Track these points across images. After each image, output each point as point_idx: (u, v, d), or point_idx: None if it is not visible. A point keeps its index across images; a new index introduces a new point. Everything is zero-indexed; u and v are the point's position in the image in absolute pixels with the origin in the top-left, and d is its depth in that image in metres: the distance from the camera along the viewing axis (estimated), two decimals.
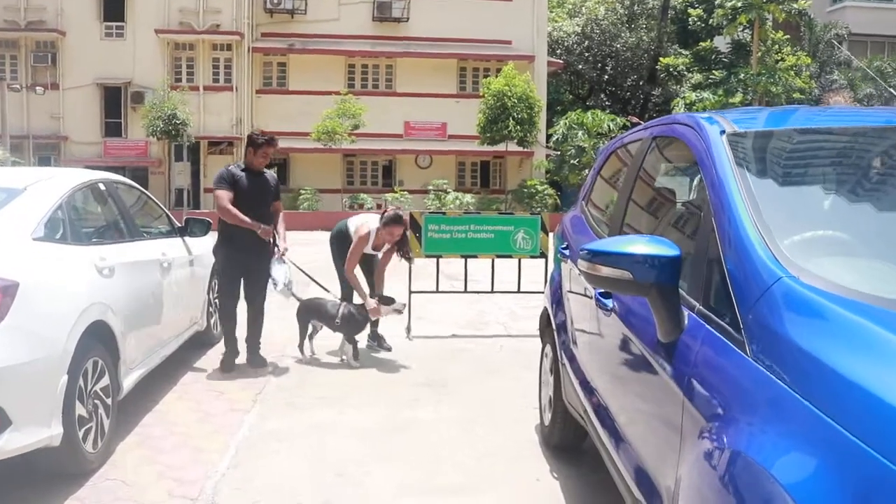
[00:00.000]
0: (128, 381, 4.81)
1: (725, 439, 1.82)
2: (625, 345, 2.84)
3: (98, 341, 4.32)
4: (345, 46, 29.71)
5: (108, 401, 4.44)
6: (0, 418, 3.47)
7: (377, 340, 7.20)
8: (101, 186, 5.32)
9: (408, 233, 6.99)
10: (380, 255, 7.02)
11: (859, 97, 25.92)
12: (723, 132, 2.64)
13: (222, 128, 29.34)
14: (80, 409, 4.04)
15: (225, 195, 6.13)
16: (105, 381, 4.39)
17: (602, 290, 3.06)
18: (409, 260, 7.11)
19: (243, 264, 6.34)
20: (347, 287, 6.96)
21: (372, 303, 6.62)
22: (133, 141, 29.23)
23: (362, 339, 6.94)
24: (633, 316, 2.74)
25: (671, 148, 3.23)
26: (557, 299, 4.37)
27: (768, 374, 1.78)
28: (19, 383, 3.56)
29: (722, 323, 2.07)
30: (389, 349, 7.07)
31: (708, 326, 2.14)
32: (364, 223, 6.84)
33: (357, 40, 29.92)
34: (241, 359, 6.51)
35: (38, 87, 26.61)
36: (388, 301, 6.70)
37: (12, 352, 3.53)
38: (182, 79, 29.22)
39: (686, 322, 2.26)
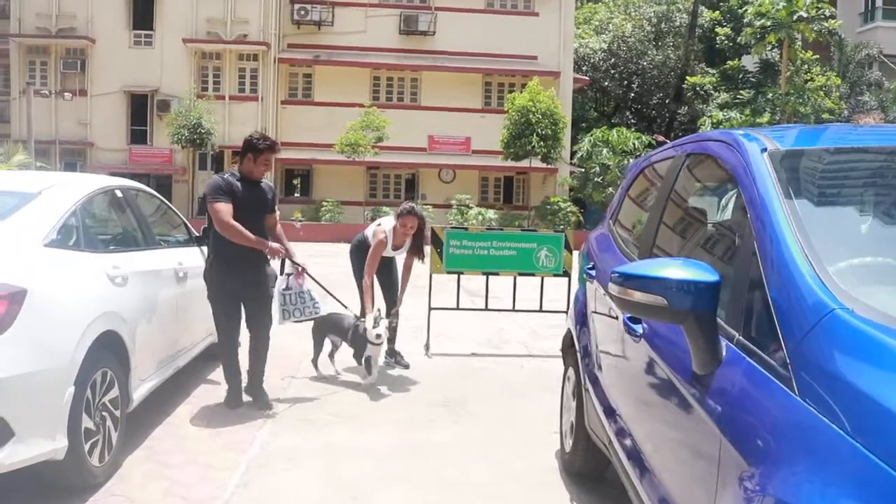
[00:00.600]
0: (138, 393, 4.69)
1: (769, 487, 1.66)
2: (655, 373, 2.68)
3: (108, 352, 4.21)
4: (370, 59, 29.77)
5: (117, 413, 4.32)
6: (2, 430, 3.36)
7: (394, 357, 7.03)
8: (118, 193, 5.23)
9: (425, 229, 6.84)
10: (400, 255, 6.90)
11: (890, 118, 25.52)
12: (764, 150, 2.48)
13: None
14: (86, 422, 3.92)
15: (225, 209, 5.24)
16: (114, 392, 4.28)
17: (631, 316, 2.90)
18: (422, 258, 6.89)
19: (242, 288, 5.53)
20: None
21: (369, 319, 6.28)
22: (158, 149, 29.41)
23: (380, 355, 6.77)
24: (664, 343, 2.58)
25: (705, 166, 3.07)
26: (582, 321, 4.20)
27: (820, 416, 1.61)
28: (23, 394, 3.45)
29: (765, 356, 1.91)
30: (407, 366, 6.90)
31: (749, 359, 1.98)
32: (380, 226, 6.75)
33: (383, 53, 29.97)
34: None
35: (66, 94, 26.89)
36: (388, 319, 6.57)
37: (17, 361, 3.42)
38: (208, 88, 29.41)
39: (724, 353, 2.10)
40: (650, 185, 3.78)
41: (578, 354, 4.13)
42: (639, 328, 2.83)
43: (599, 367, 3.71)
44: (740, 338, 2.08)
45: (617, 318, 3.34)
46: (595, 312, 3.95)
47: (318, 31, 29.87)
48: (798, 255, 1.97)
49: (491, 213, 26.72)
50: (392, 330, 6.84)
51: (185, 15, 29.12)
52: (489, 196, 31.13)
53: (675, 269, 2.11)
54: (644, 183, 3.97)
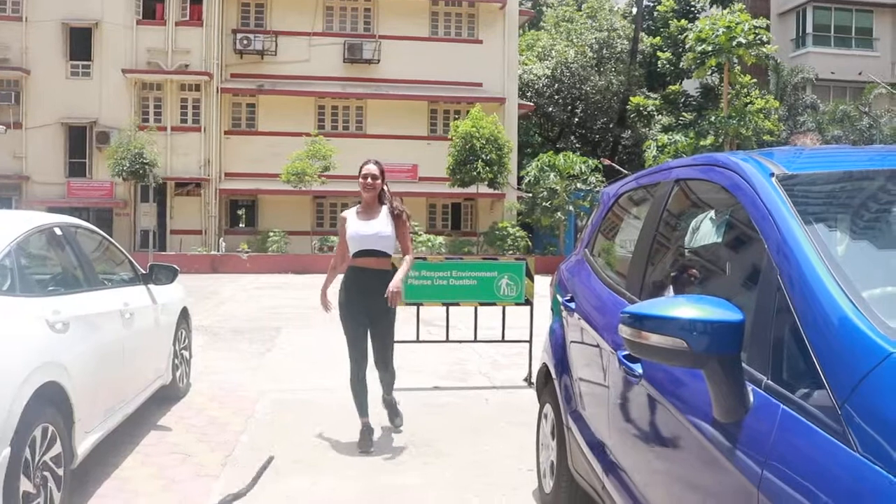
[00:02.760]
0: (83, 447, 4.32)
1: None
2: (661, 418, 2.46)
3: (49, 404, 3.83)
4: (315, 87, 29.51)
5: (60, 471, 3.94)
6: None
7: (390, 410, 5.98)
8: (57, 231, 4.86)
9: (385, 185, 5.61)
10: (382, 233, 5.47)
11: (827, 139, 26.13)
12: (771, 174, 2.31)
13: (190, 169, 28.84)
14: (25, 485, 3.54)
15: None
16: (57, 448, 3.90)
17: (627, 353, 2.69)
18: (399, 216, 5.53)
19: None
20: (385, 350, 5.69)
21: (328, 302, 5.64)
22: (98, 181, 28.57)
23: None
24: (672, 385, 2.37)
25: (700, 193, 2.90)
26: (560, 355, 3.99)
27: (890, 476, 1.41)
28: None
29: (804, 404, 1.71)
30: (398, 427, 5.93)
31: (784, 406, 1.77)
32: None
33: (327, 81, 29.74)
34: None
35: (0, 126, 25.98)
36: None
37: None
38: (149, 119, 28.77)
39: (752, 399, 1.89)
40: (631, 213, 3.60)
41: (558, 392, 3.91)
42: (637, 367, 2.62)
43: (584, 407, 3.50)
44: (769, 382, 1.88)
45: (603, 353, 3.14)
46: (575, 345, 3.74)
47: (261, 60, 29.48)
48: (833, 289, 1.79)
49: (440, 240, 26.56)
50: (390, 406, 5.95)
51: (125, 45, 28.48)
52: (437, 223, 30.98)
53: (694, 308, 1.91)
54: (623, 210, 3.79)
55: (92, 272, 5.13)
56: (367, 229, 5.46)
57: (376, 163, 5.59)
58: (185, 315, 6.96)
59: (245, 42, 28.96)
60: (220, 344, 10.04)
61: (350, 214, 5.62)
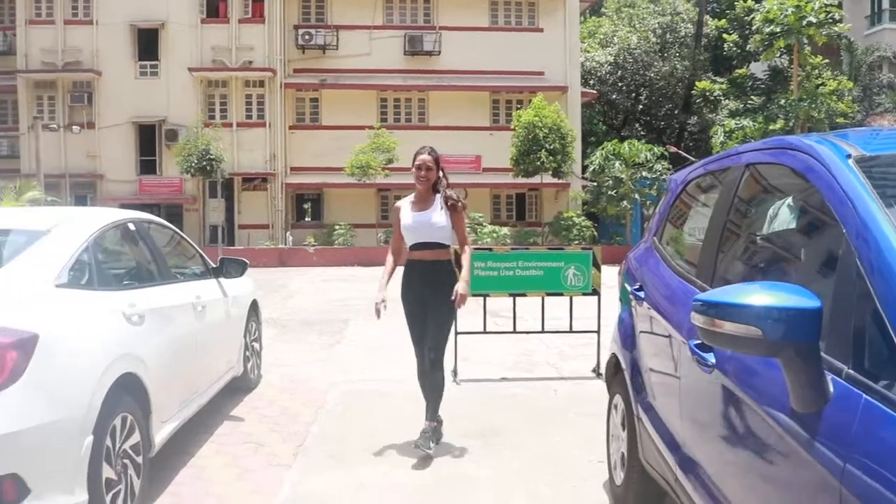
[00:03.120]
0: (160, 436, 4.45)
1: None
2: (735, 407, 2.41)
3: (128, 395, 3.96)
4: (376, 81, 29.71)
5: (139, 459, 4.07)
6: (18, 487, 3.12)
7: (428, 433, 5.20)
8: (131, 227, 5.01)
9: (441, 171, 5.41)
10: (440, 221, 5.27)
11: None
12: (847, 156, 2.23)
13: (256, 164, 29.38)
14: (107, 472, 3.67)
15: None
16: (135, 437, 4.03)
17: (699, 342, 2.63)
18: (454, 206, 5.33)
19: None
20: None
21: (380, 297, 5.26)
22: (167, 178, 29.35)
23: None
24: (745, 374, 2.32)
25: (772, 177, 2.81)
26: (630, 345, 3.94)
27: None
28: (39, 448, 3.21)
29: (891, 395, 1.65)
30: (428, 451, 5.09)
31: (867, 397, 1.72)
32: None
33: (389, 74, 29.90)
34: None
35: (74, 127, 26.93)
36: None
37: (31, 413, 3.19)
38: (216, 115, 29.39)
39: (832, 389, 1.84)
40: (701, 200, 3.53)
41: (628, 382, 3.86)
42: (710, 357, 2.57)
43: (654, 397, 3.45)
44: (850, 371, 1.82)
45: (674, 342, 3.09)
46: (645, 335, 3.69)
47: (323, 55, 29.83)
48: None
49: (504, 231, 26.49)
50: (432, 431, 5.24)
51: (190, 44, 29.16)
52: (501, 213, 30.91)
53: (769, 296, 1.86)
54: (692, 198, 3.72)
55: (165, 266, 5.27)
56: (421, 220, 5.30)
57: (431, 151, 5.39)
58: (254, 308, 7.09)
59: (307, 37, 29.32)
60: (289, 336, 10.20)
61: (404, 204, 5.45)
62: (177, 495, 4.43)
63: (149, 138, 29.77)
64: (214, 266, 6.19)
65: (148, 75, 29.52)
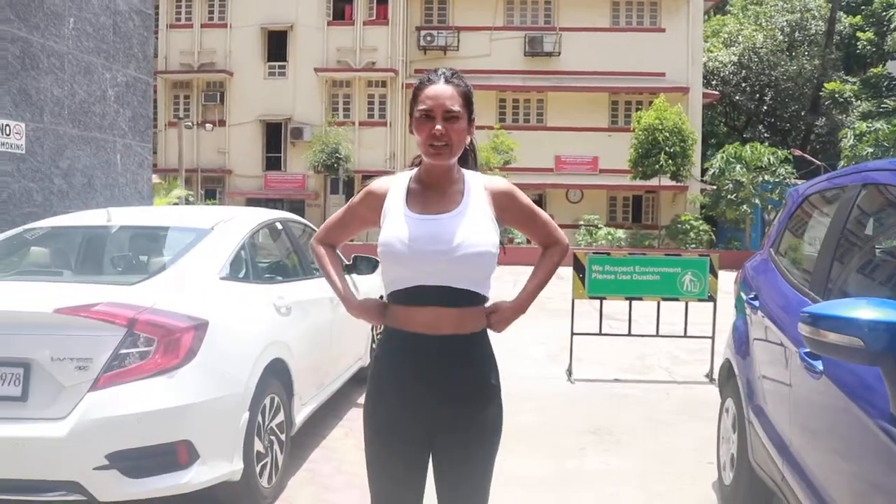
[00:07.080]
0: (300, 417, 4.90)
1: None
2: (842, 413, 2.59)
3: (275, 378, 4.42)
4: (496, 81, 30.03)
5: (283, 436, 4.53)
6: (190, 452, 3.59)
7: None
8: (278, 225, 5.50)
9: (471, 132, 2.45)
10: (480, 237, 2.30)
11: None
12: None
13: (376, 162, 30.24)
14: (258, 445, 4.14)
15: None
16: (280, 417, 4.49)
17: (808, 350, 2.81)
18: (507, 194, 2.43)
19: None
20: None
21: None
22: (291, 174, 30.65)
23: None
24: (852, 381, 2.49)
25: (889, 198, 2.94)
26: (743, 352, 4.10)
27: None
28: (207, 419, 3.68)
29: None
30: None
31: None
32: None
33: (508, 75, 30.20)
34: None
35: (207, 125, 28.54)
36: None
37: (202, 388, 3.65)
38: (339, 114, 30.48)
39: None
40: (818, 215, 3.66)
41: (740, 386, 4.03)
42: (818, 364, 2.75)
43: (765, 401, 3.61)
44: None
45: (786, 350, 3.25)
46: (758, 342, 3.85)
47: (443, 55, 30.42)
48: None
49: (620, 233, 26.35)
50: None
51: (316, 45, 30.36)
52: (617, 216, 30.73)
53: (870, 310, 2.05)
54: (809, 212, 3.85)
55: (305, 262, 5.73)
56: (433, 232, 2.32)
57: (454, 77, 2.37)
58: None
59: (429, 38, 30.01)
60: None
61: (394, 191, 2.46)
62: (312, 471, 4.87)
63: (275, 136, 31.19)
64: (347, 263, 6.62)
65: (276, 75, 30.92)
